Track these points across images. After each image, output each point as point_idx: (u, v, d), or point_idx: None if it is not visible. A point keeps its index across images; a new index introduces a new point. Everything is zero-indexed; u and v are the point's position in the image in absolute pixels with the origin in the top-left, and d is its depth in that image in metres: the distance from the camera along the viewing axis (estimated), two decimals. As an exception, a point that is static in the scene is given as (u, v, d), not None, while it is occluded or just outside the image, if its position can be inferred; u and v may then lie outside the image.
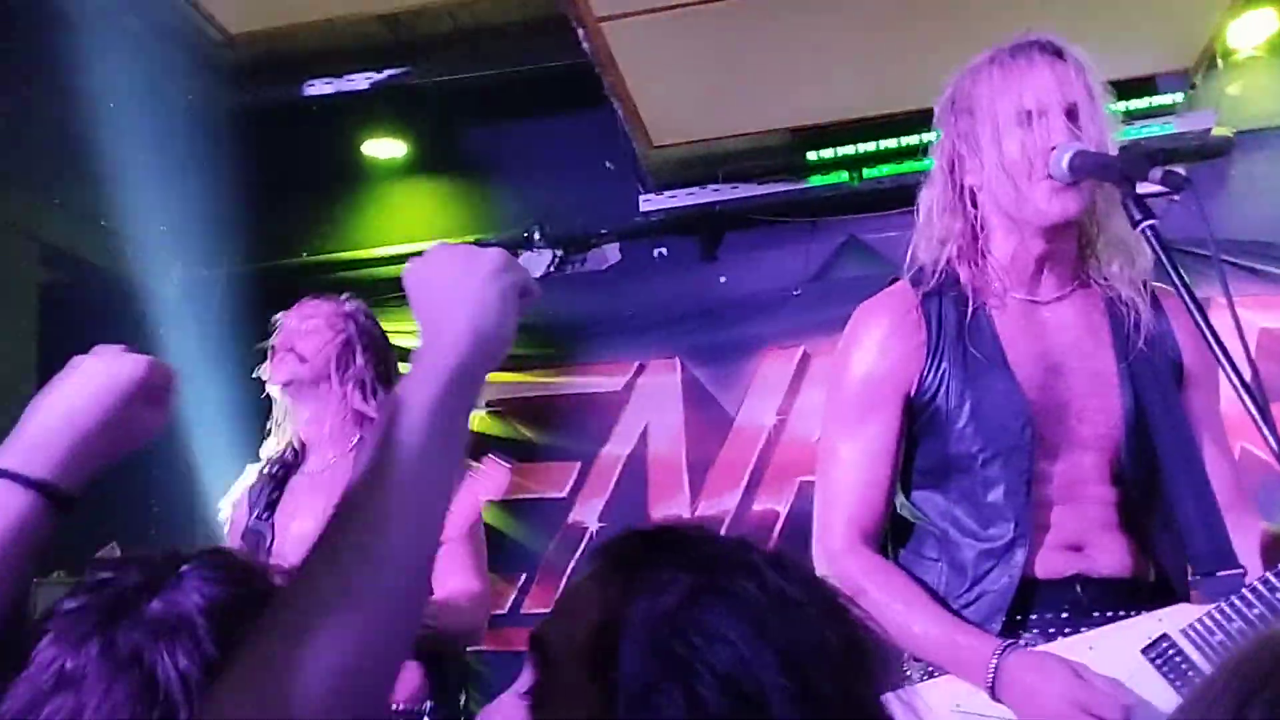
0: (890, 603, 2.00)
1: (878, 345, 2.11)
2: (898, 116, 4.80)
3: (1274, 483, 2.57)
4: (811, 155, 5.14)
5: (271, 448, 3.18)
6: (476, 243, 5.51)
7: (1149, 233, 1.84)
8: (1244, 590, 1.85)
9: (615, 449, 5.36)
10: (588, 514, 5.26)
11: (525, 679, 1.04)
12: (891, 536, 2.14)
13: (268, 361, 3.13)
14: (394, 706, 2.99)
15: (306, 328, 3.11)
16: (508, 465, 2.80)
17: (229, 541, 3.19)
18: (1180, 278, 1.82)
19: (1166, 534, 2.02)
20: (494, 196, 5.64)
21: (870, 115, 4.90)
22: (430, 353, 1.07)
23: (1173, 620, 1.89)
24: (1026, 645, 1.94)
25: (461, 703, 3.12)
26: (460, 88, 5.32)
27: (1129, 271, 2.05)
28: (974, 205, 2.10)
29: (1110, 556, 2.00)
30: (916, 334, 2.09)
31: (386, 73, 5.19)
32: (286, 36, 5.05)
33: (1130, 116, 4.28)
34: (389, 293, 5.64)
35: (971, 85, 2.08)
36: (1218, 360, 1.76)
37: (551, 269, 5.55)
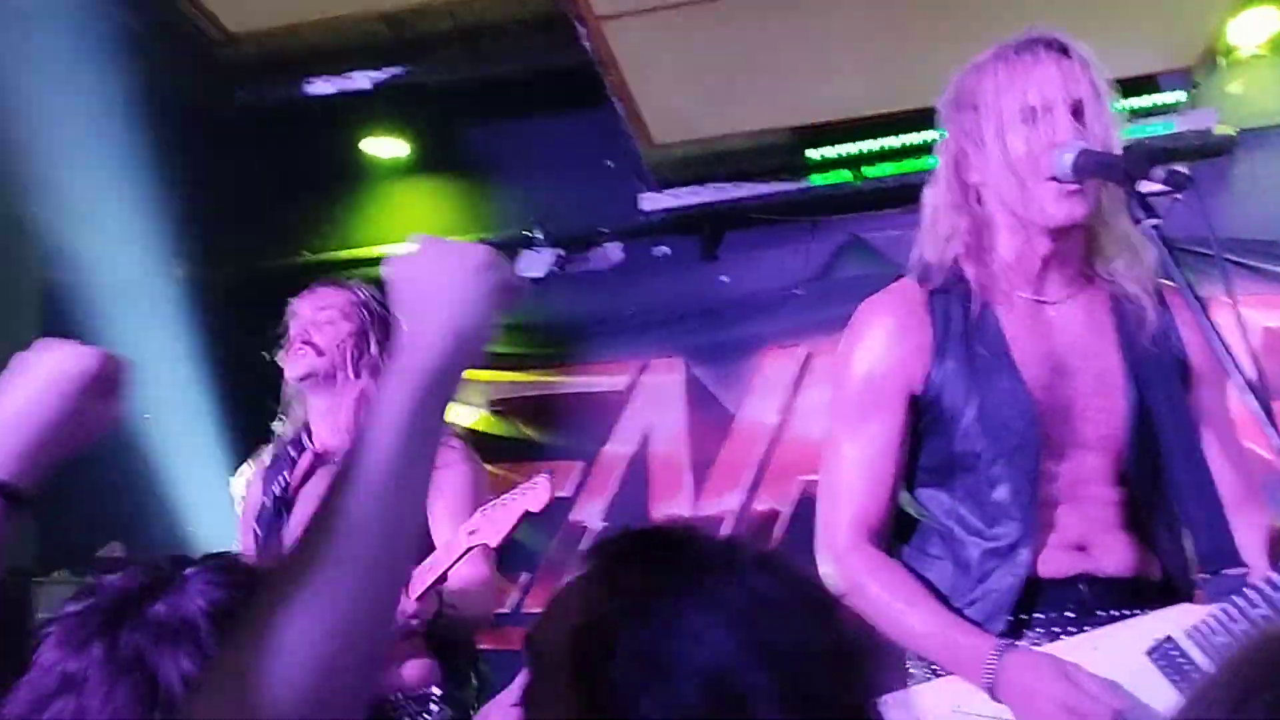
0: (892, 601, 2.00)
1: (883, 342, 2.11)
2: (899, 115, 4.80)
3: (1276, 482, 2.56)
4: (813, 154, 5.13)
5: (283, 430, 3.21)
6: (477, 241, 5.56)
7: (1152, 232, 1.83)
8: (1247, 590, 1.85)
9: (617, 448, 5.36)
10: (590, 513, 5.26)
11: (520, 680, 1.04)
12: (896, 534, 2.13)
13: (284, 352, 3.14)
14: (401, 693, 3.04)
15: (322, 318, 3.13)
16: (549, 478, 2.83)
17: (240, 520, 3.22)
18: (1183, 277, 1.81)
19: (1171, 533, 2.02)
20: (495, 195, 5.64)
21: (871, 114, 4.89)
22: (410, 351, 1.07)
23: (1176, 621, 1.89)
24: (1031, 645, 1.94)
25: (474, 688, 3.15)
26: (461, 87, 5.32)
27: (1134, 269, 2.04)
28: (979, 203, 2.10)
29: (1115, 556, 2.00)
30: (922, 331, 2.08)
31: (387, 71, 5.19)
32: (287, 35, 5.06)
33: (1132, 115, 4.28)
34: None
35: (976, 81, 2.07)
36: (1221, 360, 1.76)
37: (553, 268, 5.54)
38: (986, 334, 2.06)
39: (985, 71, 2.06)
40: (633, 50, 4.40)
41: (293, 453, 3.16)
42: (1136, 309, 2.06)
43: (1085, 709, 1.80)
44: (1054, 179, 1.97)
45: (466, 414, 5.42)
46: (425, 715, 3.08)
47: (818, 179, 5.19)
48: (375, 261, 5.62)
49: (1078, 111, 2.00)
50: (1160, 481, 2.01)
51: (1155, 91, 4.74)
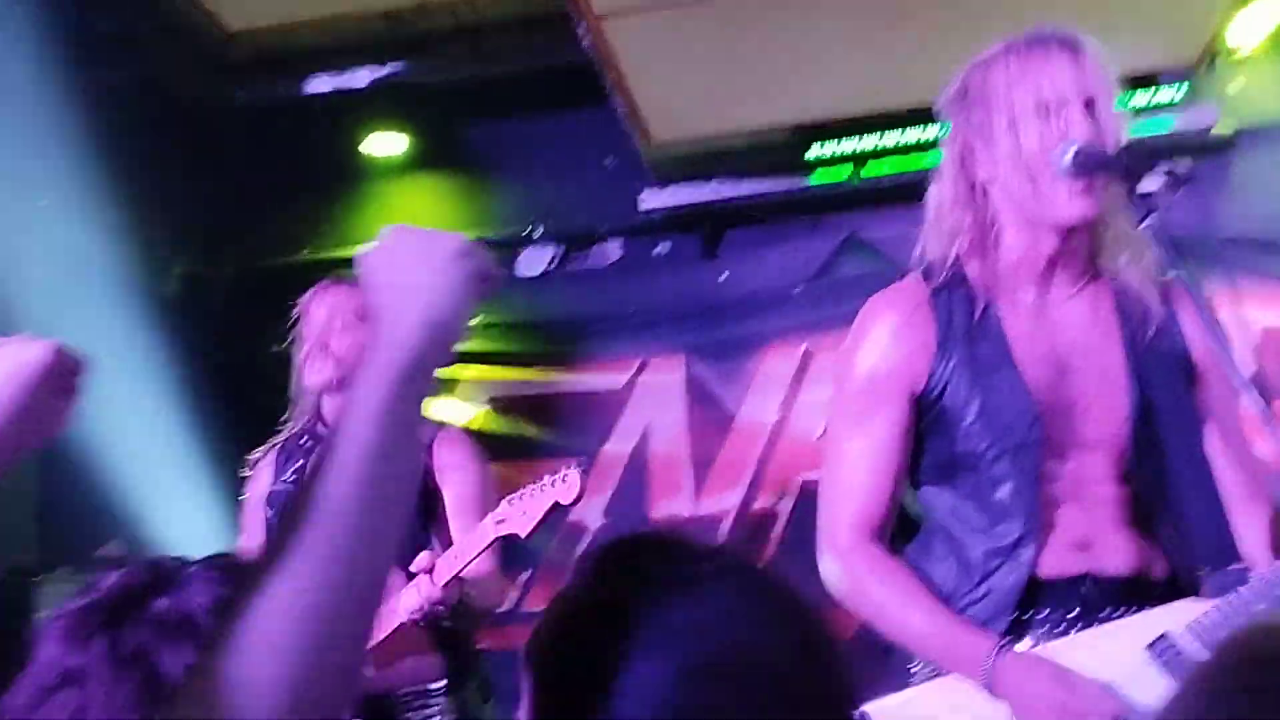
0: (893, 600, 2.01)
1: (885, 341, 2.11)
2: (899, 112, 4.80)
3: (1274, 480, 2.56)
4: (813, 152, 5.13)
5: (294, 418, 3.24)
6: (477, 239, 5.57)
7: (1152, 229, 1.84)
8: (1245, 585, 1.85)
9: (617, 447, 5.36)
10: (589, 512, 5.25)
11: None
12: (901, 533, 2.13)
13: (300, 354, 3.17)
14: (404, 688, 3.07)
15: (338, 324, 3.17)
16: (579, 470, 2.85)
17: (246, 505, 3.26)
18: (1183, 274, 1.82)
19: (1176, 531, 2.02)
20: (495, 193, 5.64)
21: (872, 112, 4.89)
22: (386, 343, 1.05)
23: (1175, 617, 1.89)
24: (1033, 644, 1.94)
25: (475, 685, 3.19)
26: (461, 85, 5.31)
27: (1137, 265, 2.04)
28: (985, 200, 2.09)
29: (1119, 555, 1.99)
30: (925, 330, 2.08)
31: (387, 69, 5.18)
32: (286, 33, 5.05)
33: (1132, 113, 4.27)
34: (390, 290, 5.65)
35: (986, 76, 2.06)
36: (1221, 358, 1.76)
37: (552, 266, 5.55)
38: (989, 333, 2.06)
39: (996, 65, 2.05)
40: (632, 48, 4.40)
41: (307, 444, 3.20)
42: (1140, 305, 2.05)
43: (1079, 711, 1.80)
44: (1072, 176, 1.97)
45: (466, 412, 5.43)
46: (427, 710, 3.11)
47: (818, 177, 5.18)
48: (375, 260, 5.64)
49: (1091, 108, 1.99)
50: (1164, 479, 2.01)
51: (1155, 89, 4.74)
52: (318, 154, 5.61)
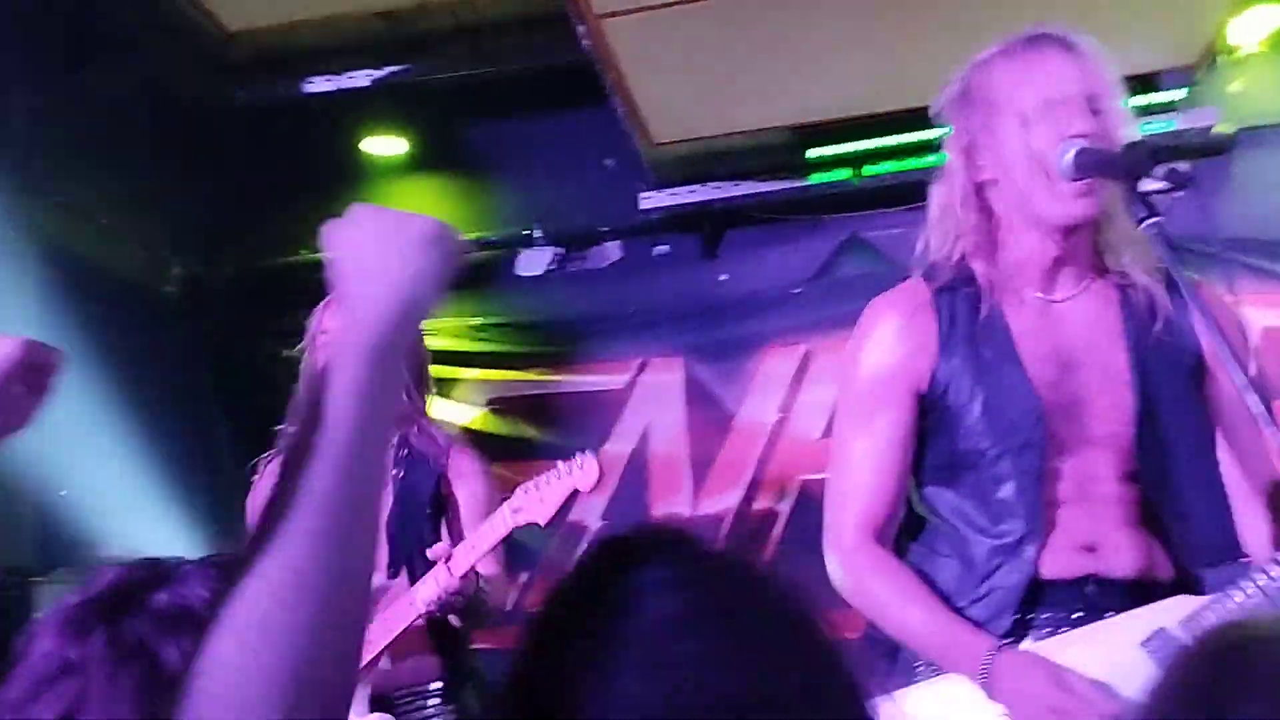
0: (894, 599, 2.02)
1: (889, 341, 2.11)
2: (899, 113, 4.79)
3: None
4: (813, 152, 5.13)
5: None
6: (477, 240, 5.55)
7: (1154, 230, 1.83)
8: (1242, 582, 1.85)
9: (616, 447, 5.35)
10: (589, 512, 5.25)
11: None
12: (906, 531, 2.14)
13: (313, 365, 3.21)
14: (402, 688, 3.08)
15: None
16: (595, 457, 2.87)
17: (250, 507, 3.29)
18: (1184, 275, 1.82)
19: (1181, 530, 2.01)
20: (494, 194, 5.63)
21: (871, 112, 4.89)
22: (359, 325, 1.05)
23: (1172, 613, 1.89)
24: (1034, 642, 1.94)
25: (473, 685, 3.21)
26: (461, 85, 5.31)
27: (1143, 262, 2.04)
28: (988, 200, 2.09)
29: (1124, 557, 1.99)
30: (928, 329, 2.08)
31: (387, 70, 5.18)
32: (286, 33, 5.05)
33: (1132, 113, 4.26)
34: (389, 291, 5.64)
35: (987, 76, 2.06)
36: (1223, 357, 1.76)
37: (552, 267, 5.54)
38: (993, 331, 2.06)
39: (997, 66, 2.06)
40: (632, 49, 4.40)
41: None
42: (1146, 303, 2.05)
43: (1073, 712, 1.80)
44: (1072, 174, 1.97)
45: (466, 413, 5.42)
46: (425, 711, 3.12)
47: (818, 177, 5.18)
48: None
49: (1093, 105, 1.99)
50: (1169, 477, 2.00)
51: (1156, 90, 4.73)
52: (317, 154, 5.61)
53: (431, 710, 3.13)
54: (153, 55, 5.01)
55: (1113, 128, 1.99)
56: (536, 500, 2.91)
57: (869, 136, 5.00)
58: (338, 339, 1.04)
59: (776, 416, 5.23)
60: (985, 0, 3.75)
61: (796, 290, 5.29)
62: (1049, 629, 1.97)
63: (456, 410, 5.31)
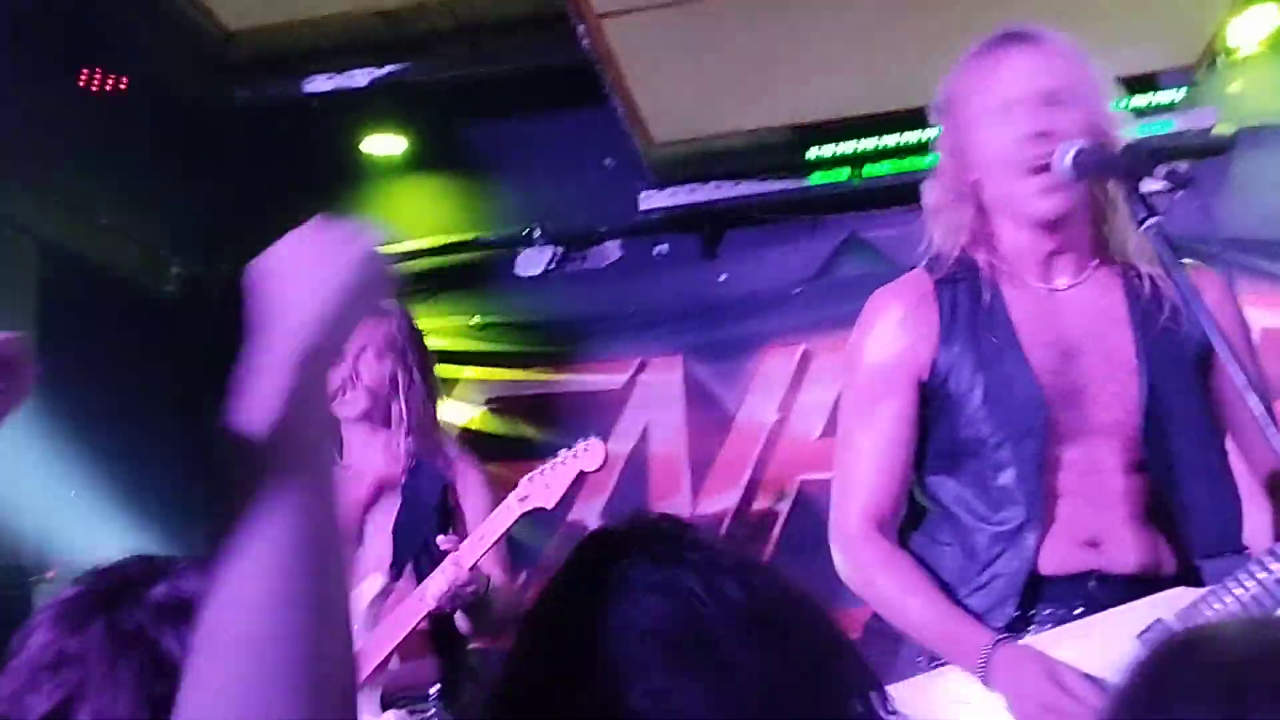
0: (895, 590, 2.03)
1: (891, 331, 2.13)
2: (899, 113, 4.78)
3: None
4: (812, 152, 5.12)
5: None
6: (476, 240, 5.54)
7: (1153, 230, 1.84)
8: (1239, 573, 1.85)
9: (616, 447, 5.34)
10: (588, 512, 5.24)
11: None
12: (909, 520, 2.15)
13: (338, 395, 3.24)
14: (401, 691, 3.09)
15: (370, 355, 3.24)
16: (600, 440, 2.89)
17: None
18: (1184, 275, 1.82)
19: (1185, 522, 2.01)
20: (494, 194, 5.63)
21: (871, 112, 4.88)
22: (279, 336, 1.04)
23: (1169, 605, 1.90)
24: (1035, 636, 1.94)
25: (471, 686, 3.23)
26: (460, 84, 5.31)
27: (1148, 249, 2.04)
28: (980, 196, 2.11)
29: (1128, 553, 1.99)
30: (929, 318, 2.10)
31: (386, 69, 5.17)
32: (285, 32, 5.05)
33: (1131, 114, 4.26)
34: (388, 290, 5.64)
35: (960, 79, 2.10)
36: (1226, 363, 1.76)
37: (551, 266, 5.54)
38: (994, 319, 2.07)
39: (966, 69, 2.10)
40: (632, 48, 4.40)
41: None
42: (1152, 291, 2.05)
43: (1066, 709, 1.81)
44: (1036, 171, 1.99)
45: (464, 412, 5.42)
46: (424, 714, 3.12)
47: (817, 177, 5.18)
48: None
49: (1052, 100, 2.01)
50: (1175, 466, 2.00)
51: (1155, 90, 4.73)
52: (317, 153, 5.61)
53: (430, 715, 3.13)
54: (152, 54, 5.01)
55: (1082, 121, 2.00)
56: (542, 486, 2.93)
57: (869, 136, 5.00)
58: (259, 350, 1.02)
59: (776, 417, 5.22)
60: (984, 1, 3.76)
61: (796, 290, 5.28)
62: (1050, 625, 1.97)
63: (455, 410, 5.31)
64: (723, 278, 5.42)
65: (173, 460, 5.47)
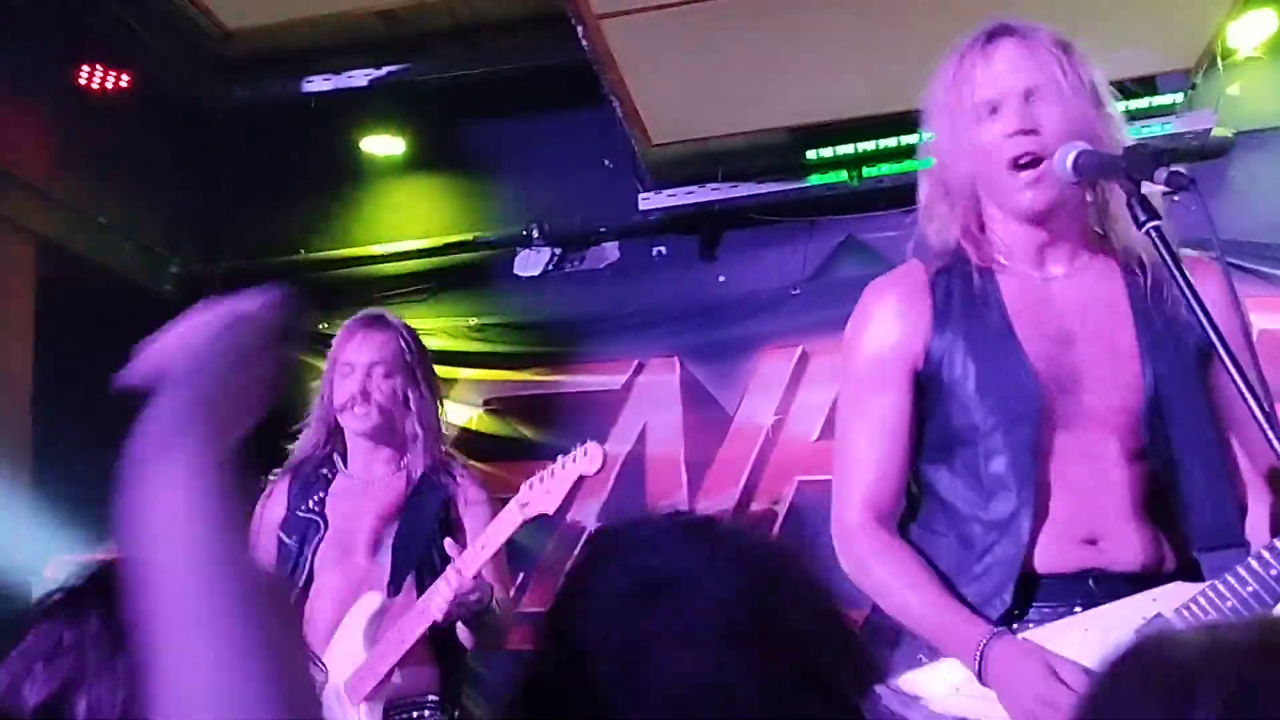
0: (893, 582, 2.03)
1: (885, 321, 2.13)
2: (897, 115, 4.78)
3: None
4: (811, 154, 5.12)
5: (310, 439, 3.33)
6: (474, 240, 5.54)
7: (1154, 233, 1.84)
8: (1238, 568, 1.84)
9: (613, 448, 5.34)
10: (585, 513, 5.24)
11: None
12: (906, 511, 2.15)
13: (348, 407, 3.26)
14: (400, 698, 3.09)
15: (380, 372, 3.27)
16: (599, 445, 2.91)
17: (255, 527, 3.32)
18: (1185, 277, 1.82)
19: (1185, 515, 2.00)
20: (492, 194, 5.63)
21: (870, 114, 4.88)
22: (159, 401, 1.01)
23: (1167, 600, 1.89)
24: (1033, 631, 1.94)
25: (470, 689, 3.25)
26: (459, 85, 5.31)
27: (1144, 243, 2.04)
28: (972, 188, 2.12)
29: (1128, 550, 1.98)
30: (922, 308, 2.10)
31: (385, 69, 5.18)
32: (285, 32, 5.04)
33: (1130, 116, 4.27)
34: (387, 290, 5.64)
35: (947, 75, 2.11)
36: (1221, 359, 1.76)
37: (550, 267, 5.54)
38: (987, 307, 2.07)
39: (943, 71, 2.11)
40: (631, 49, 4.39)
41: (326, 474, 3.31)
42: (1153, 280, 2.05)
43: (1062, 702, 1.81)
44: (1021, 167, 2.00)
45: (463, 413, 5.42)
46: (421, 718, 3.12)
47: (816, 179, 5.18)
48: (373, 259, 5.64)
49: (1031, 97, 2.01)
50: (1176, 456, 1.99)
51: (1153, 93, 4.74)
52: (316, 153, 5.61)
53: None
54: (152, 52, 5.01)
55: (1065, 116, 2.00)
56: (543, 492, 2.94)
57: (867, 138, 5.00)
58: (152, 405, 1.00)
59: (773, 418, 5.23)
60: (983, 2, 3.76)
61: (794, 291, 5.29)
62: (1049, 622, 1.97)
63: (453, 410, 5.30)
64: (721, 279, 5.43)
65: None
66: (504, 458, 5.33)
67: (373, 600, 3.10)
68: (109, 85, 4.93)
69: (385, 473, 3.31)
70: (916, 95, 2.23)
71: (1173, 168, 1.84)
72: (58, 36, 4.85)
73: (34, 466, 4.62)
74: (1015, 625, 1.97)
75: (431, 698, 3.14)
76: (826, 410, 4.87)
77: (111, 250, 5.29)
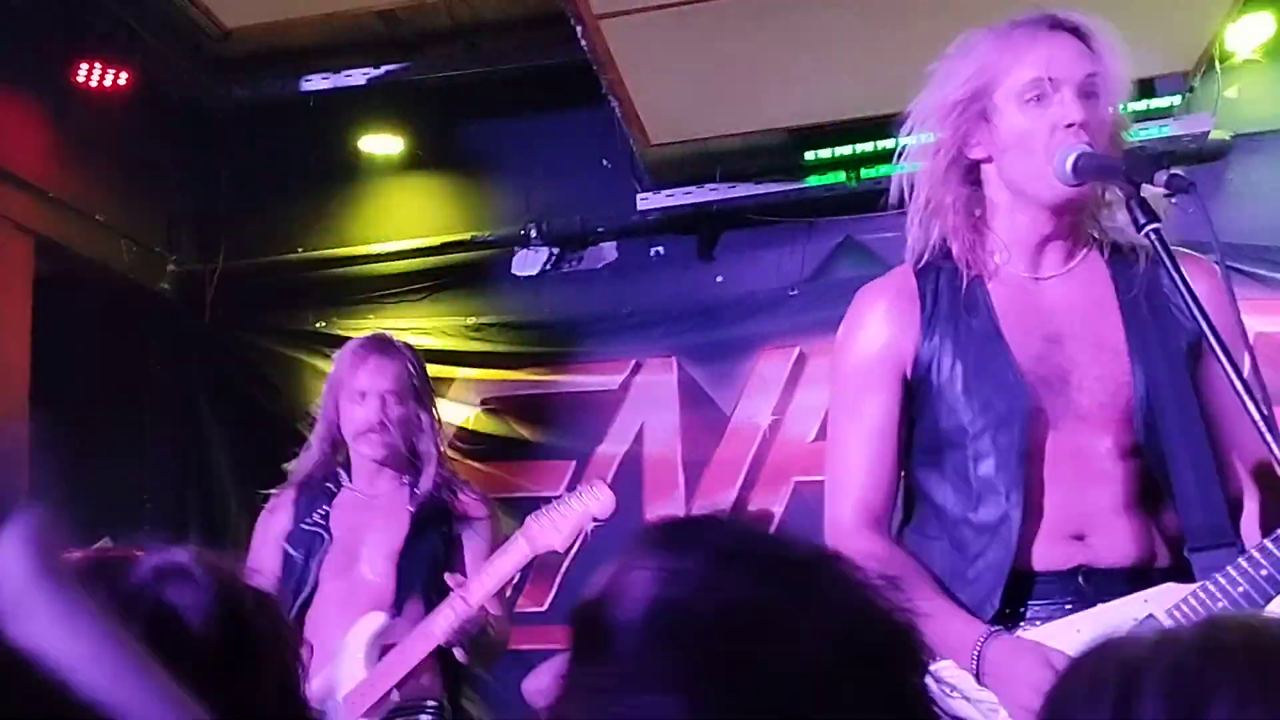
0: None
1: (874, 325, 2.13)
2: (895, 117, 4.76)
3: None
4: (809, 155, 5.12)
5: (312, 458, 3.37)
6: (472, 240, 5.55)
7: (1153, 235, 1.84)
8: (1229, 568, 1.84)
9: (610, 448, 5.35)
10: (583, 513, 5.24)
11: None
12: (903, 516, 2.15)
13: (363, 434, 3.30)
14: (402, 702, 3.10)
15: (391, 399, 3.32)
16: (606, 485, 2.92)
17: (256, 537, 3.34)
18: (1185, 279, 1.82)
19: (1176, 512, 2.00)
20: (491, 193, 5.63)
21: (868, 115, 4.88)
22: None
23: (1159, 601, 1.89)
24: (1026, 631, 1.94)
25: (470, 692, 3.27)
26: (458, 84, 5.31)
27: (1136, 241, 2.03)
28: (977, 181, 2.10)
29: (1116, 545, 1.98)
30: (911, 310, 2.10)
31: (384, 69, 5.18)
32: (283, 31, 5.05)
33: (1129, 118, 4.27)
34: (384, 290, 5.65)
35: (986, 51, 2.07)
36: (1216, 355, 1.76)
37: (548, 267, 5.54)
38: (975, 307, 2.06)
39: (996, 42, 2.06)
40: (630, 49, 4.39)
41: (331, 487, 3.35)
42: (1145, 278, 2.04)
43: None
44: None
45: (459, 412, 5.42)
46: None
47: (814, 180, 5.18)
48: (371, 259, 5.64)
49: (1087, 94, 2.00)
50: (1167, 453, 1.99)
51: (1151, 95, 4.74)
52: (314, 152, 5.61)
53: None
54: (151, 52, 5.01)
55: (1105, 120, 1.99)
56: (552, 529, 2.97)
57: (865, 140, 5.00)
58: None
59: (771, 418, 5.23)
60: (983, 5, 3.75)
61: (792, 292, 5.29)
62: (1040, 621, 1.97)
63: (451, 410, 5.30)
64: (719, 279, 5.43)
65: (169, 456, 5.47)
66: (501, 457, 5.33)
67: (375, 620, 3.12)
68: (108, 84, 4.93)
69: (390, 489, 3.34)
70: (915, 97, 2.23)
71: (1173, 170, 1.84)
72: (56, 35, 4.85)
73: (31, 464, 4.61)
74: (1011, 626, 1.97)
75: (430, 702, 3.15)
76: (824, 411, 4.85)
77: (110, 249, 5.28)
